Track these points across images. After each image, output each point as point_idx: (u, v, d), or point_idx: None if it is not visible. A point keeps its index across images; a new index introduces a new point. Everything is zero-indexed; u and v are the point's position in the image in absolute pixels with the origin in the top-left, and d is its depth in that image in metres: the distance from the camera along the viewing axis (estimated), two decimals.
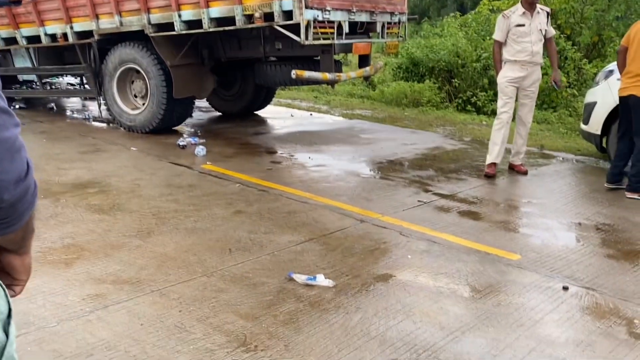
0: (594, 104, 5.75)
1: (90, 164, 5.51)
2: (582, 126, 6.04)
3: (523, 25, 5.22)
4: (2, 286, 0.98)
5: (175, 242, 3.64)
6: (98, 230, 3.82)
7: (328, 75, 6.38)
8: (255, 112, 8.64)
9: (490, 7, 11.88)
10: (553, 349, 2.53)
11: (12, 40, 7.94)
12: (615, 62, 6.07)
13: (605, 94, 5.63)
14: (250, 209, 4.33)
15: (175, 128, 7.26)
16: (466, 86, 9.77)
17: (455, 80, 9.92)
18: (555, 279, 3.24)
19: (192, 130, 7.39)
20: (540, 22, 5.26)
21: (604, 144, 5.75)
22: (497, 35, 5.39)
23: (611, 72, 5.72)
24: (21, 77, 9.09)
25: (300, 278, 3.12)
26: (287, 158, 6.06)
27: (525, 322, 2.75)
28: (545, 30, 5.32)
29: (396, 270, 3.32)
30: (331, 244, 3.69)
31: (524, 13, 5.25)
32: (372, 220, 4.14)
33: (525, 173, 5.52)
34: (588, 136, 5.94)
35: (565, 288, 3.12)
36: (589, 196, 4.95)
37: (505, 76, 5.35)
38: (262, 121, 8.29)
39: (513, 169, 5.60)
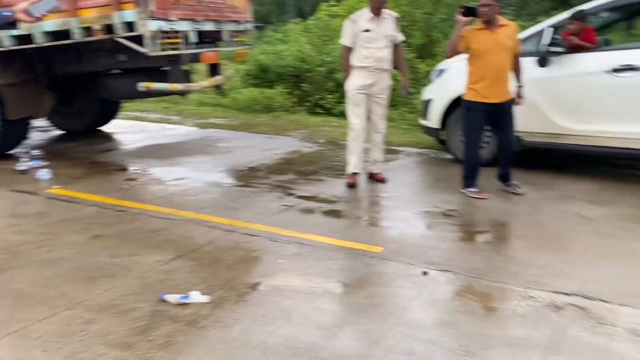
0: (431, 100, 6.27)
1: None
2: (422, 121, 6.56)
3: (370, 30, 5.07)
4: None
5: (29, 276, 3.33)
6: None
7: (178, 86, 6.24)
8: (101, 128, 8.17)
9: (329, 13, 12.40)
10: (422, 332, 2.74)
11: None
12: (445, 61, 6.69)
13: (439, 92, 6.18)
14: (109, 231, 4.10)
15: (12, 152, 6.62)
16: (314, 90, 10.10)
17: (304, 84, 10.22)
18: (416, 266, 3.50)
19: (32, 152, 6.78)
20: (387, 27, 5.13)
21: (442, 137, 6.28)
22: (345, 40, 5.21)
23: (442, 70, 6.29)
24: None
25: (173, 298, 3.04)
26: (143, 174, 5.83)
27: (395, 311, 2.95)
28: (394, 35, 5.21)
29: (270, 276, 3.36)
30: (201, 258, 3.63)
31: (371, 18, 5.09)
32: (240, 229, 4.14)
33: (383, 181, 5.38)
34: (428, 130, 6.46)
35: (425, 273, 3.38)
36: (434, 185, 5.39)
37: (353, 84, 5.20)
38: (109, 137, 7.86)
39: (372, 178, 5.46)
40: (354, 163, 5.30)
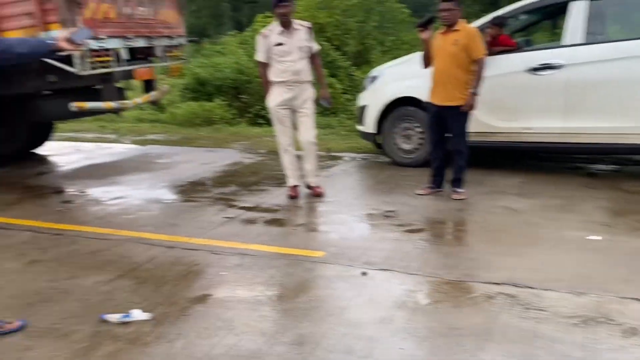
0: (366, 106, 6.44)
1: None
2: (359, 127, 6.73)
3: (282, 44, 4.96)
4: None
5: None
6: None
7: (112, 104, 6.18)
8: (34, 151, 7.93)
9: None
10: (361, 330, 2.83)
11: None
12: (378, 68, 6.89)
13: (373, 97, 6.35)
14: (46, 256, 4.01)
15: None
16: (254, 101, 10.14)
17: (243, 96, 10.25)
18: (355, 267, 3.61)
19: None
20: (300, 38, 5.01)
21: (379, 141, 6.46)
22: (259, 56, 5.11)
23: (375, 77, 6.47)
24: None
25: (114, 317, 3.02)
26: (79, 195, 5.71)
27: (334, 312, 3.03)
28: (308, 46, 5.08)
29: (212, 289, 3.39)
30: (142, 276, 3.61)
31: (282, 31, 4.98)
32: (181, 245, 4.14)
33: (321, 195, 5.25)
34: (365, 135, 6.62)
35: (364, 273, 3.49)
36: (374, 188, 5.54)
37: (273, 101, 5.11)
38: (43, 160, 7.65)
39: (310, 191, 5.35)
40: (290, 177, 5.31)
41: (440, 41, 4.89)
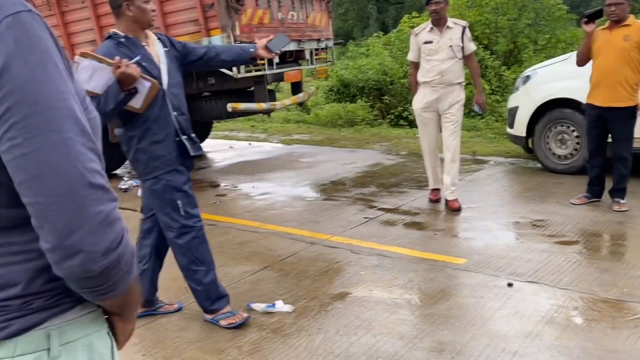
0: (517, 108, 6.12)
1: None
2: (508, 130, 6.41)
3: (431, 42, 4.76)
4: (112, 338, 1.03)
5: None
6: None
7: (263, 105, 6.51)
8: None
9: (411, 25, 12.39)
10: (506, 343, 2.70)
11: None
12: (531, 67, 6.52)
13: (525, 99, 6.02)
14: None
15: (116, 172, 7.17)
16: (397, 102, 10.12)
17: (386, 97, 10.27)
18: (500, 277, 3.44)
19: (133, 172, 7.30)
20: (451, 38, 4.74)
21: (529, 145, 6.11)
22: (410, 55, 4.99)
23: (528, 77, 6.12)
24: None
25: (260, 307, 3.18)
26: (232, 190, 6.11)
27: (477, 321, 2.92)
28: (461, 46, 4.77)
29: (351, 287, 3.43)
30: (285, 269, 3.76)
31: (432, 29, 4.79)
32: (322, 241, 4.25)
33: (457, 209, 4.84)
34: (514, 139, 6.30)
35: (510, 285, 3.32)
36: (522, 195, 5.24)
37: (418, 103, 4.94)
38: (202, 155, 8.25)
39: (446, 205, 4.96)
40: (431, 179, 5.20)
41: (606, 37, 4.49)
